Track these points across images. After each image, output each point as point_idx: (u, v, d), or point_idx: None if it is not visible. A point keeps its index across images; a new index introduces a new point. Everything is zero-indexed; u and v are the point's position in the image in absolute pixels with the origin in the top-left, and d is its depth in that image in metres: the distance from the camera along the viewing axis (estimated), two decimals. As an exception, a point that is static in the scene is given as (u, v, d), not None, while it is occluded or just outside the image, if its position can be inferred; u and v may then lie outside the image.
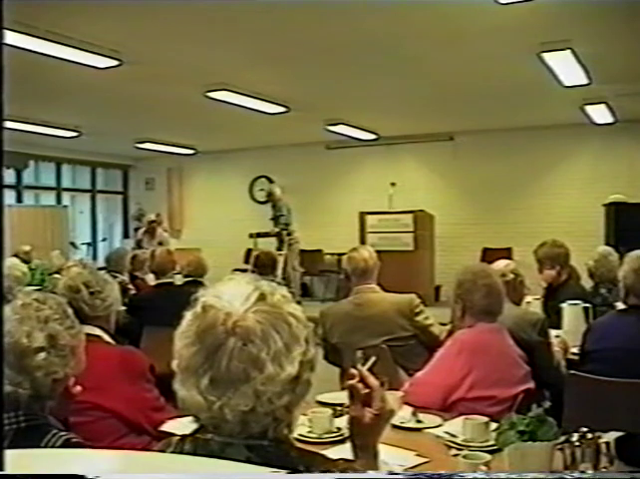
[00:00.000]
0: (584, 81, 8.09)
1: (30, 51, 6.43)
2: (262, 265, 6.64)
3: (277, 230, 11.75)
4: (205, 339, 1.27)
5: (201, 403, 1.27)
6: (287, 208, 11.92)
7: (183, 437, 1.37)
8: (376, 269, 4.49)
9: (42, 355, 1.91)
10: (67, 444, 1.82)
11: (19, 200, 13.96)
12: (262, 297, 1.33)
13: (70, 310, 2.08)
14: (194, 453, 1.32)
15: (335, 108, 10.33)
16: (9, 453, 1.21)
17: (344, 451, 1.82)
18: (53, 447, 1.80)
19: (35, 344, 1.90)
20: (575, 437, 2.02)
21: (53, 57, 6.67)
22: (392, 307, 4.28)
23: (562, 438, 2.06)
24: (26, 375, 1.88)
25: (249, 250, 12.07)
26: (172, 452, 1.36)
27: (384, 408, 1.72)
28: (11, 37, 6.06)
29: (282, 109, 9.73)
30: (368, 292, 4.38)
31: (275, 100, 9.33)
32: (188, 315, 1.34)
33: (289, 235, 11.83)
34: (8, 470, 1.17)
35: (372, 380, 1.71)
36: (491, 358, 2.98)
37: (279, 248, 10.89)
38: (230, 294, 1.33)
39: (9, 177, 13.79)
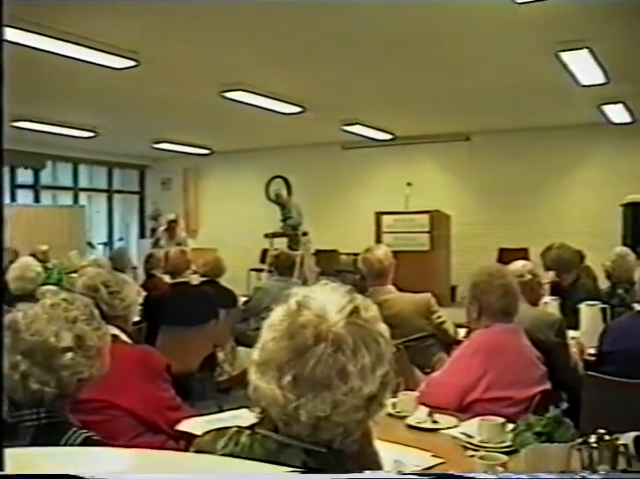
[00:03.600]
0: (602, 80, 8.04)
1: (48, 52, 6.47)
2: (282, 266, 6.65)
3: (283, 231, 11.78)
4: (295, 338, 1.28)
5: (278, 398, 1.27)
6: (297, 209, 11.90)
7: (240, 429, 1.37)
8: (391, 270, 4.48)
9: (69, 355, 1.93)
10: (86, 442, 1.84)
11: (37, 200, 14.07)
12: (356, 311, 1.33)
13: (96, 312, 2.10)
14: (250, 447, 1.32)
15: (351, 108, 10.32)
16: (8, 452, 1.21)
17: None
18: (72, 444, 1.82)
19: (62, 344, 1.93)
20: (593, 439, 2.01)
21: (70, 58, 6.71)
22: (410, 308, 4.28)
23: (580, 440, 2.05)
24: (52, 374, 1.90)
25: (265, 250, 12.09)
26: (228, 442, 1.35)
27: None
28: (29, 38, 6.11)
29: (298, 109, 9.74)
30: (384, 293, 4.37)
31: (291, 100, 9.34)
32: (280, 310, 1.34)
33: (305, 235, 11.84)
34: (7, 470, 1.17)
35: None
36: (508, 359, 2.96)
37: (290, 248, 10.86)
38: (326, 300, 1.33)
39: (27, 177, 13.90)
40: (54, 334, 1.93)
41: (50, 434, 1.86)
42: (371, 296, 4.35)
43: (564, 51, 6.95)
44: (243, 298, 6.78)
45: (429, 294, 4.44)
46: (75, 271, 8.19)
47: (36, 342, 1.90)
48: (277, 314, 1.34)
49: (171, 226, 12.18)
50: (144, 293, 5.99)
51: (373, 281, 4.46)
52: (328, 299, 1.34)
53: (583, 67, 7.52)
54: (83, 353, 1.96)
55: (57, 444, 1.82)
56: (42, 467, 1.28)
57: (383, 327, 1.37)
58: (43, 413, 1.88)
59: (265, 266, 11.40)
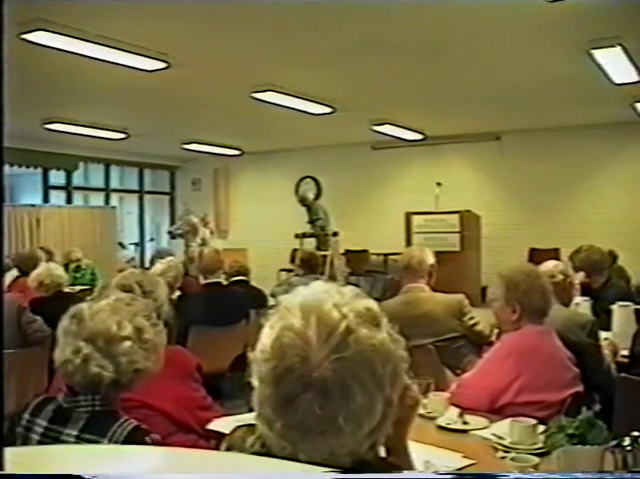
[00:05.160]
0: (635, 78, 7.95)
1: (79, 55, 6.54)
2: (307, 265, 6.67)
3: (312, 231, 11.84)
4: (281, 385, 1.19)
5: (275, 441, 1.22)
6: (323, 210, 11.98)
7: None
8: (428, 269, 4.45)
9: (128, 343, 2.07)
10: (136, 431, 1.96)
11: (69, 201, 14.20)
12: (348, 333, 1.19)
13: (154, 313, 2.26)
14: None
15: (381, 108, 10.31)
16: (9, 451, 1.21)
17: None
18: (122, 433, 1.94)
19: (123, 333, 2.07)
20: (627, 441, 1.99)
21: (101, 60, 6.77)
22: (441, 308, 4.25)
23: (613, 442, 2.02)
24: (112, 359, 2.03)
25: (295, 251, 12.13)
26: (256, 440, 1.32)
27: (415, 397, 1.63)
28: (62, 41, 6.18)
29: (328, 109, 9.74)
30: (417, 292, 4.35)
31: (321, 100, 9.35)
32: (265, 339, 1.24)
33: (335, 235, 11.87)
34: (8, 470, 1.18)
35: None
36: (540, 362, 2.93)
37: (318, 248, 10.92)
38: (313, 322, 1.21)
39: (60, 178, 14.05)
40: (116, 323, 2.08)
41: (102, 421, 1.97)
42: (404, 295, 4.33)
43: (596, 49, 6.88)
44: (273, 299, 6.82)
45: (462, 296, 4.39)
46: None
47: (99, 329, 2.05)
48: (261, 349, 1.24)
49: (192, 226, 12.22)
50: (177, 293, 6.03)
51: (408, 279, 4.44)
52: (315, 320, 1.21)
53: (616, 65, 7.43)
54: (140, 344, 2.10)
55: (107, 430, 1.94)
56: (79, 464, 1.29)
57: (381, 336, 1.23)
58: (97, 400, 2.01)
59: (294, 266, 11.45)
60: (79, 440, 1.94)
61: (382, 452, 1.39)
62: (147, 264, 10.90)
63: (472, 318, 4.30)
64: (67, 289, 6.10)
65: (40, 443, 1.97)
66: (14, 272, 6.85)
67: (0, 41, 1.30)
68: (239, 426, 1.43)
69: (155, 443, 1.99)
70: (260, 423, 1.24)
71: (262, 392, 1.23)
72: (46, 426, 1.99)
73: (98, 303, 2.12)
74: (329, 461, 1.20)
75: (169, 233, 13.04)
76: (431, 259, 4.47)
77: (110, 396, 2.03)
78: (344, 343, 1.19)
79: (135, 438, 1.94)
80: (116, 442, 1.92)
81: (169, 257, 6.69)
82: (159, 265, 6.02)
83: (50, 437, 1.98)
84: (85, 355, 2.01)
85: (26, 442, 1.99)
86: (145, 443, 1.95)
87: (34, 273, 5.65)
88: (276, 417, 1.20)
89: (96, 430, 1.95)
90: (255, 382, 1.24)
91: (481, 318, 4.40)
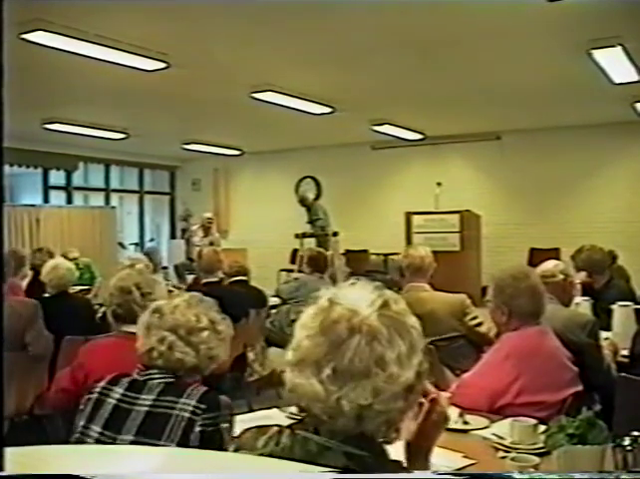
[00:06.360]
0: (635, 77, 7.95)
1: (79, 54, 6.54)
2: (315, 264, 6.67)
3: (312, 231, 11.85)
4: (330, 333, 1.30)
5: (320, 393, 1.28)
6: (323, 211, 11.96)
7: (282, 429, 1.38)
8: (430, 269, 4.47)
9: (206, 333, 2.38)
10: (209, 392, 2.24)
11: (69, 201, 14.19)
12: (386, 304, 1.35)
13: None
14: (291, 448, 1.33)
15: (380, 108, 10.31)
16: (9, 451, 1.21)
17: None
18: (197, 394, 2.21)
19: (201, 324, 2.38)
20: (627, 441, 1.98)
21: (101, 60, 6.77)
22: (443, 307, 4.26)
23: (613, 442, 2.02)
24: (192, 347, 2.33)
25: (295, 251, 12.13)
26: (268, 441, 1.36)
27: (444, 413, 1.68)
28: (62, 41, 6.18)
29: (328, 109, 9.74)
30: (419, 291, 4.36)
31: (321, 100, 9.35)
32: (311, 309, 1.36)
33: (335, 235, 11.87)
34: (8, 470, 1.18)
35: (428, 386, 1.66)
36: (540, 362, 2.92)
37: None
38: (355, 297, 1.36)
39: (60, 178, 14.05)
40: (194, 315, 2.38)
41: (176, 388, 2.25)
42: (406, 293, 4.33)
43: (596, 49, 6.88)
44: (273, 299, 6.81)
45: (464, 296, 4.41)
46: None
47: (180, 321, 2.35)
48: (308, 314, 1.36)
49: (209, 223, 12.20)
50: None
51: (410, 278, 4.45)
52: (358, 295, 1.36)
53: (616, 65, 7.43)
54: (215, 335, 2.40)
55: (183, 392, 2.21)
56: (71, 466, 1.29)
57: (413, 319, 1.39)
58: (170, 373, 2.29)
59: (295, 267, 11.44)
60: (155, 402, 2.20)
61: (396, 453, 1.42)
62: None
63: (473, 319, 4.30)
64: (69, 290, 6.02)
65: (116, 407, 2.23)
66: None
67: (0, 41, 1.30)
68: (248, 429, 1.45)
69: (226, 404, 2.23)
70: (305, 378, 1.31)
71: (307, 349, 1.32)
72: (122, 393, 2.25)
73: (174, 301, 2.41)
74: (367, 412, 1.28)
75: (187, 239, 12.82)
76: (431, 258, 4.50)
77: (183, 378, 2.30)
78: (386, 307, 1.35)
79: (208, 398, 2.21)
80: (191, 400, 2.19)
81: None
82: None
83: (126, 402, 2.23)
84: (170, 343, 2.30)
85: (100, 406, 2.25)
86: (218, 402, 2.21)
87: (43, 270, 5.42)
88: (326, 362, 1.29)
89: (172, 394, 2.22)
90: (291, 349, 1.35)
91: (483, 318, 4.41)
